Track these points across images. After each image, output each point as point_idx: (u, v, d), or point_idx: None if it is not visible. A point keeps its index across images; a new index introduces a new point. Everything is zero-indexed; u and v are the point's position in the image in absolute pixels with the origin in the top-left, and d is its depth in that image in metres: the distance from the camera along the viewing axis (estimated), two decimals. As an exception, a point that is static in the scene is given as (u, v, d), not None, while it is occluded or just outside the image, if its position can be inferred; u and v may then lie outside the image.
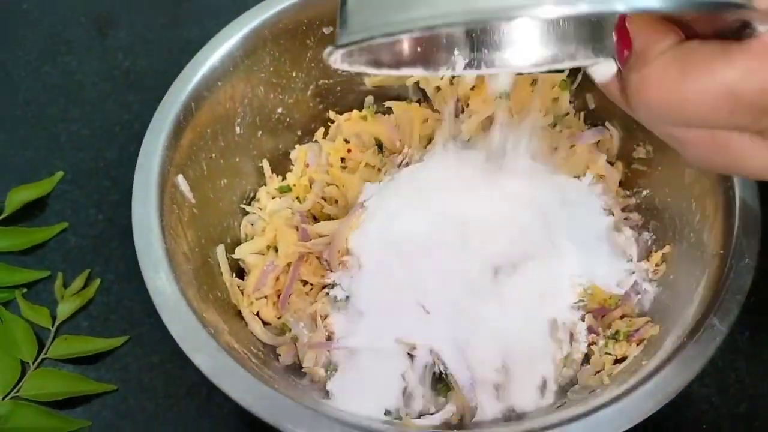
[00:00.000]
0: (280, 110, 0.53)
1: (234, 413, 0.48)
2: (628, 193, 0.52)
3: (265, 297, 0.48)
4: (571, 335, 0.45)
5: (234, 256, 0.49)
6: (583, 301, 0.46)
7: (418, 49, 0.31)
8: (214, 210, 0.49)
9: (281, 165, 0.55)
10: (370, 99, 0.57)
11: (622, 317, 0.46)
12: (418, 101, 0.56)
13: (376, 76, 0.55)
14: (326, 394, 0.44)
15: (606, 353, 0.44)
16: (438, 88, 0.54)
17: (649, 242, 0.49)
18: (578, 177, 0.52)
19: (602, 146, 0.53)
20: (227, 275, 0.48)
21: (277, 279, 0.49)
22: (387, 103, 0.55)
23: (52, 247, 0.56)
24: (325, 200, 0.53)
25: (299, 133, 0.56)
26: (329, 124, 0.56)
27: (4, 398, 0.48)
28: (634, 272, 0.47)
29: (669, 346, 0.39)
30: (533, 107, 0.51)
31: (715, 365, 0.48)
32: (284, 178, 0.54)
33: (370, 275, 0.46)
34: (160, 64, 0.65)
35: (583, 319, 0.45)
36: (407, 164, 0.51)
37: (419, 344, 0.44)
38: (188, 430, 0.48)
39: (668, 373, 0.37)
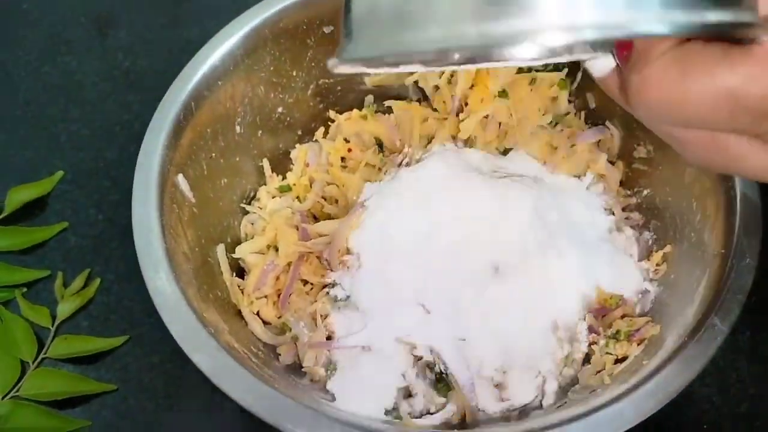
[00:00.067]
0: (280, 109, 0.53)
1: (234, 413, 0.48)
2: (628, 192, 0.52)
3: (266, 296, 0.48)
4: (572, 335, 0.45)
5: (234, 256, 0.49)
6: (583, 300, 0.45)
7: None
8: (214, 209, 0.49)
9: (281, 164, 0.55)
10: (370, 98, 0.57)
11: (622, 317, 0.46)
12: (418, 100, 0.56)
13: (376, 75, 0.55)
14: (326, 393, 0.44)
15: (607, 353, 0.44)
16: (436, 87, 0.54)
17: (650, 242, 0.49)
18: (579, 176, 0.52)
19: (603, 146, 0.53)
20: (227, 275, 0.48)
21: (278, 278, 0.49)
22: (387, 103, 0.55)
23: (52, 247, 0.56)
24: (325, 200, 0.53)
25: (299, 132, 0.56)
26: (329, 123, 0.56)
27: (3, 398, 0.48)
28: (635, 272, 0.47)
29: (670, 345, 0.39)
30: (532, 107, 0.52)
31: (716, 365, 0.48)
32: (284, 178, 0.54)
33: (370, 275, 0.46)
34: (160, 64, 0.65)
35: (583, 319, 0.45)
36: (407, 163, 0.51)
37: (419, 344, 0.44)
38: (188, 430, 0.48)
39: (669, 372, 0.37)
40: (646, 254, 0.49)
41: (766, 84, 0.24)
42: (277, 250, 0.49)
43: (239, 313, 0.47)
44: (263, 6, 0.49)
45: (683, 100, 0.25)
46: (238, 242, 0.51)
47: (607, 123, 0.53)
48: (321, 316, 0.46)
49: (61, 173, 0.59)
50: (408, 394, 0.44)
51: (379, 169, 0.53)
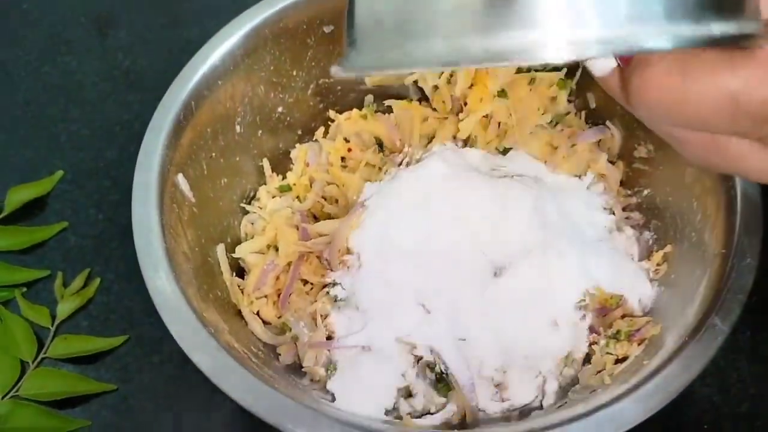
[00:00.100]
0: (280, 109, 0.53)
1: (234, 413, 0.48)
2: (629, 192, 0.52)
3: (266, 296, 0.48)
4: (572, 335, 0.45)
5: (234, 256, 0.49)
6: (584, 300, 0.45)
7: None
8: (214, 209, 0.49)
9: (281, 164, 0.55)
10: (370, 98, 0.57)
11: (623, 317, 0.46)
12: (419, 100, 0.56)
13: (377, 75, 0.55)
14: (326, 393, 0.44)
15: (607, 353, 0.44)
16: (436, 87, 0.54)
17: (650, 242, 0.49)
18: (579, 176, 0.52)
19: (603, 145, 0.53)
20: (227, 274, 0.48)
21: (278, 278, 0.49)
22: (387, 102, 0.55)
23: (52, 247, 0.56)
24: (325, 199, 0.53)
25: (299, 132, 0.55)
26: (329, 123, 0.56)
27: (3, 398, 0.48)
28: (635, 271, 0.47)
29: (670, 345, 0.39)
30: (531, 106, 0.52)
31: (717, 365, 0.48)
32: (284, 177, 0.54)
33: (370, 274, 0.46)
34: (160, 64, 0.65)
35: (584, 319, 0.45)
36: (407, 163, 0.51)
37: (420, 344, 0.44)
38: (188, 430, 0.48)
39: (670, 373, 0.37)
40: (646, 254, 0.49)
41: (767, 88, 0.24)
42: (277, 249, 0.49)
43: (239, 312, 0.47)
44: (263, 5, 0.49)
45: (684, 102, 0.25)
46: (238, 242, 0.51)
47: (608, 123, 0.53)
48: (321, 316, 0.46)
49: (60, 173, 0.59)
50: (408, 394, 0.44)
51: (379, 168, 0.53)
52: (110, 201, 0.58)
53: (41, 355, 0.50)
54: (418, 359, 0.44)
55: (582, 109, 0.54)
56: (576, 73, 0.52)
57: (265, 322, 0.48)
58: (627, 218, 0.51)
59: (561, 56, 0.22)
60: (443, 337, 0.44)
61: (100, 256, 0.55)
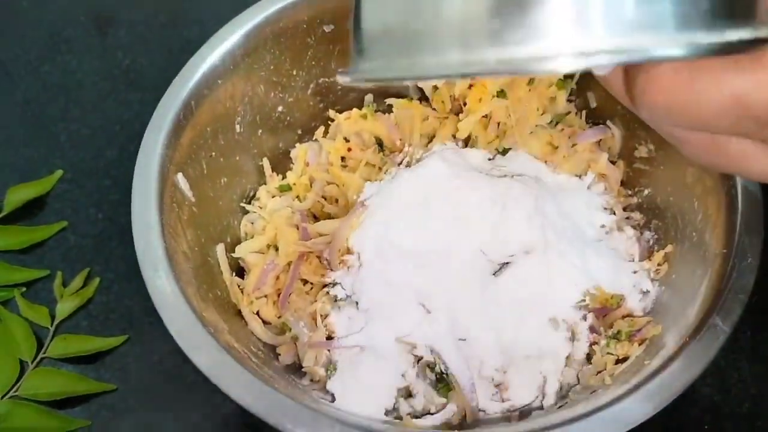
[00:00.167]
0: (280, 109, 0.53)
1: (234, 413, 0.48)
2: (629, 192, 0.52)
3: (265, 296, 0.48)
4: (573, 335, 0.45)
5: (234, 255, 0.49)
6: (584, 300, 0.45)
7: None
8: (214, 209, 0.49)
9: (281, 164, 0.55)
10: (369, 97, 0.56)
11: (623, 317, 0.46)
12: (419, 100, 0.56)
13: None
14: (326, 393, 0.44)
15: (608, 353, 0.44)
16: (435, 88, 0.54)
17: (651, 242, 0.49)
18: (579, 176, 0.52)
19: (604, 145, 0.53)
20: (227, 274, 0.47)
21: (278, 278, 0.49)
22: (388, 101, 0.55)
23: (52, 246, 0.56)
24: (325, 199, 0.53)
25: (299, 131, 0.55)
26: (329, 122, 0.56)
27: (2, 397, 0.48)
28: (636, 271, 0.47)
29: (671, 346, 0.39)
30: (530, 106, 0.51)
31: (717, 365, 0.48)
32: (284, 177, 0.54)
33: (370, 274, 0.46)
34: (160, 63, 0.65)
35: (584, 319, 0.45)
36: (408, 163, 0.51)
37: (420, 344, 0.44)
38: (188, 430, 0.48)
39: (670, 373, 0.37)
40: (647, 254, 0.49)
41: None
42: (277, 249, 0.49)
43: (239, 312, 0.47)
44: (263, 5, 0.49)
45: (689, 104, 0.25)
46: (238, 242, 0.50)
47: (608, 122, 0.53)
48: (321, 315, 0.46)
49: (60, 172, 0.59)
50: (408, 394, 0.44)
51: (380, 168, 0.53)
52: (110, 200, 0.58)
53: (41, 355, 0.50)
54: (418, 359, 0.44)
55: (582, 108, 0.54)
56: (575, 74, 0.52)
57: (265, 322, 0.47)
58: (628, 218, 0.51)
59: (571, 66, 0.21)
60: (443, 337, 0.44)
61: (100, 256, 0.55)
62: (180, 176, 0.45)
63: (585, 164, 0.52)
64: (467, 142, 0.54)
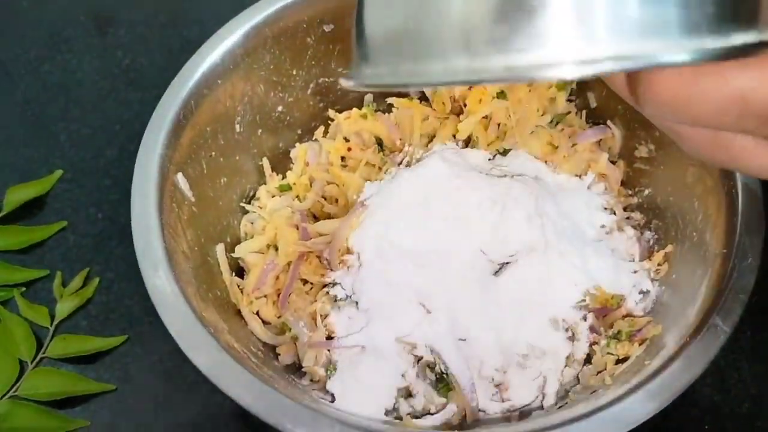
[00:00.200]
0: (280, 108, 0.53)
1: (234, 413, 0.48)
2: (629, 192, 0.52)
3: (265, 296, 0.48)
4: (573, 335, 0.45)
5: (234, 255, 0.49)
6: (584, 300, 0.45)
7: None
8: (214, 209, 0.49)
9: (281, 163, 0.54)
10: (369, 97, 0.56)
11: (624, 317, 0.46)
12: (419, 99, 0.56)
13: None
14: (326, 393, 0.44)
15: (608, 353, 0.44)
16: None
17: (651, 242, 0.49)
18: (579, 176, 0.52)
19: (604, 145, 0.53)
20: (227, 274, 0.47)
21: (277, 278, 0.48)
22: (389, 99, 0.55)
23: (51, 246, 0.56)
24: (325, 199, 0.53)
25: (299, 131, 0.55)
26: (329, 122, 0.56)
27: (2, 397, 0.48)
28: (636, 271, 0.47)
29: (671, 346, 0.39)
30: (530, 107, 0.51)
31: (717, 365, 0.48)
32: (284, 177, 0.54)
33: (370, 274, 0.46)
34: (160, 63, 0.65)
35: (584, 319, 0.45)
36: (408, 163, 0.51)
37: (420, 344, 0.44)
38: (188, 430, 0.48)
39: (671, 373, 0.37)
40: (647, 254, 0.49)
41: None
42: (276, 249, 0.49)
43: (239, 312, 0.47)
44: (263, 5, 0.49)
45: (693, 100, 0.25)
46: (238, 242, 0.50)
47: (608, 122, 0.53)
48: (321, 315, 0.46)
49: (60, 172, 0.59)
50: (408, 394, 0.44)
51: (380, 168, 0.53)
52: (110, 200, 0.58)
53: (40, 355, 0.50)
54: (418, 359, 0.44)
55: (582, 108, 0.54)
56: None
57: (264, 322, 0.47)
58: (628, 218, 0.51)
59: (577, 74, 0.21)
60: (443, 337, 0.44)
61: (100, 256, 0.55)
62: (180, 176, 0.45)
63: (585, 164, 0.52)
64: (467, 143, 0.54)
